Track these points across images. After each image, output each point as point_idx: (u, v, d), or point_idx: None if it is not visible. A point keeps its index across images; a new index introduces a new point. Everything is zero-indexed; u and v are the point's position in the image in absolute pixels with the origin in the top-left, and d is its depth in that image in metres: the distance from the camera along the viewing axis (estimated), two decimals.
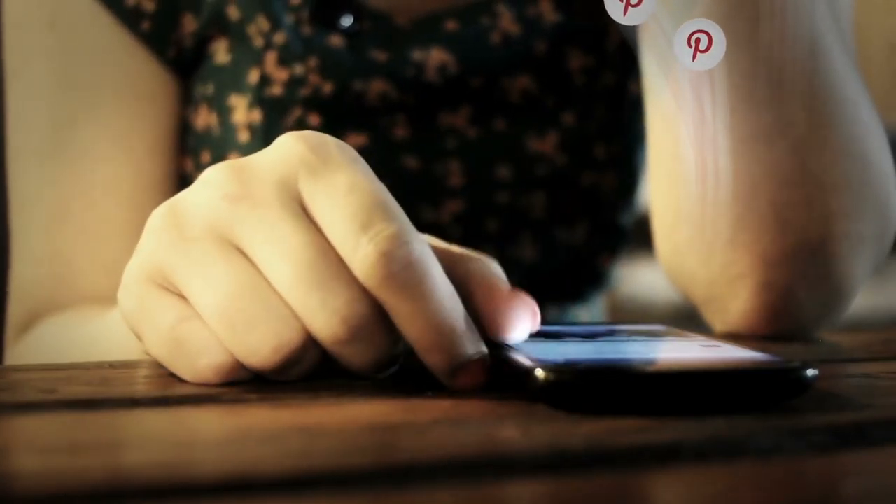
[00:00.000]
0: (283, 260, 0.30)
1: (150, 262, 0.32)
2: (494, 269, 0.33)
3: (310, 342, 0.30)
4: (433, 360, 0.31)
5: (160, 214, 0.32)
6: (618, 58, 0.60)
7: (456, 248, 0.34)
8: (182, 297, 0.31)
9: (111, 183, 0.57)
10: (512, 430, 0.26)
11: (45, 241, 0.57)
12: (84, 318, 0.53)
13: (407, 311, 0.30)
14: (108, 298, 0.54)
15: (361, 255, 0.29)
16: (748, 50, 0.48)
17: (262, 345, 0.30)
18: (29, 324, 0.57)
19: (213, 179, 0.32)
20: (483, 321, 0.32)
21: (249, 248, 0.30)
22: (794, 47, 0.48)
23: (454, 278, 0.32)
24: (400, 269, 0.29)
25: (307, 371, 0.32)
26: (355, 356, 0.31)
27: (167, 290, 0.32)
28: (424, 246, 0.30)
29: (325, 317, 0.30)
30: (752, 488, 0.22)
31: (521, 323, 0.32)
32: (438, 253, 0.32)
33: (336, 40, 0.56)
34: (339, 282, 0.29)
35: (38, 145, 0.57)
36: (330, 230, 0.30)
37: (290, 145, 0.32)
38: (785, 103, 0.48)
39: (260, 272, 0.30)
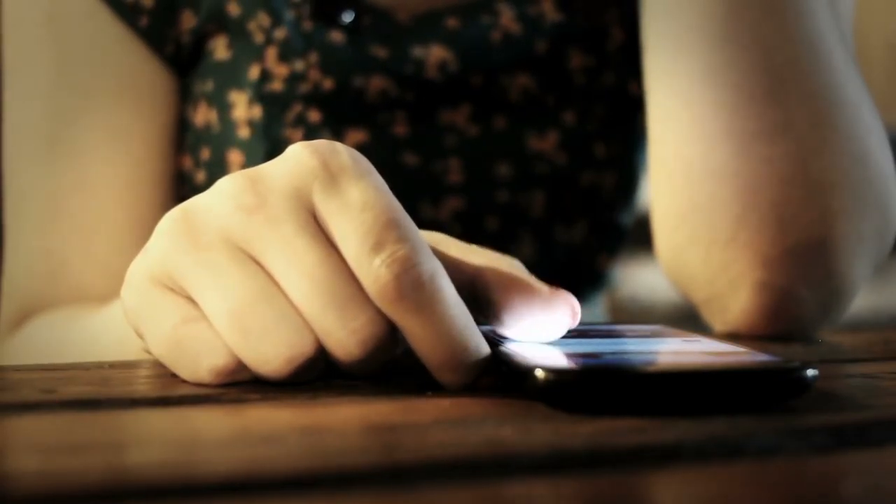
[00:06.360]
0: (299, 275, 0.30)
1: (159, 264, 0.32)
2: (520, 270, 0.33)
3: (321, 353, 0.31)
4: (445, 377, 0.31)
5: (173, 218, 0.32)
6: (618, 58, 0.60)
7: (476, 255, 0.34)
8: (188, 299, 0.31)
9: (107, 180, 0.56)
10: (512, 430, 0.26)
11: (38, 237, 0.57)
12: (77, 315, 0.53)
13: (419, 331, 0.30)
14: (101, 296, 0.54)
15: (374, 277, 0.29)
16: (750, 49, 0.48)
17: (275, 354, 0.30)
18: (21, 320, 0.57)
19: (227, 189, 0.31)
20: (514, 321, 0.32)
21: (264, 260, 0.30)
22: (795, 47, 0.48)
23: (477, 286, 0.32)
24: (411, 291, 0.29)
25: (311, 377, 0.32)
26: (363, 369, 0.31)
27: (173, 290, 0.32)
28: (436, 265, 0.30)
29: (342, 336, 0.30)
30: (752, 488, 0.22)
31: (562, 324, 0.32)
32: (453, 263, 0.32)
33: (337, 36, 0.56)
34: (355, 303, 0.30)
35: (34, 141, 0.57)
36: (344, 247, 0.30)
37: (303, 157, 0.31)
38: (786, 103, 0.48)
39: (275, 282, 0.30)
